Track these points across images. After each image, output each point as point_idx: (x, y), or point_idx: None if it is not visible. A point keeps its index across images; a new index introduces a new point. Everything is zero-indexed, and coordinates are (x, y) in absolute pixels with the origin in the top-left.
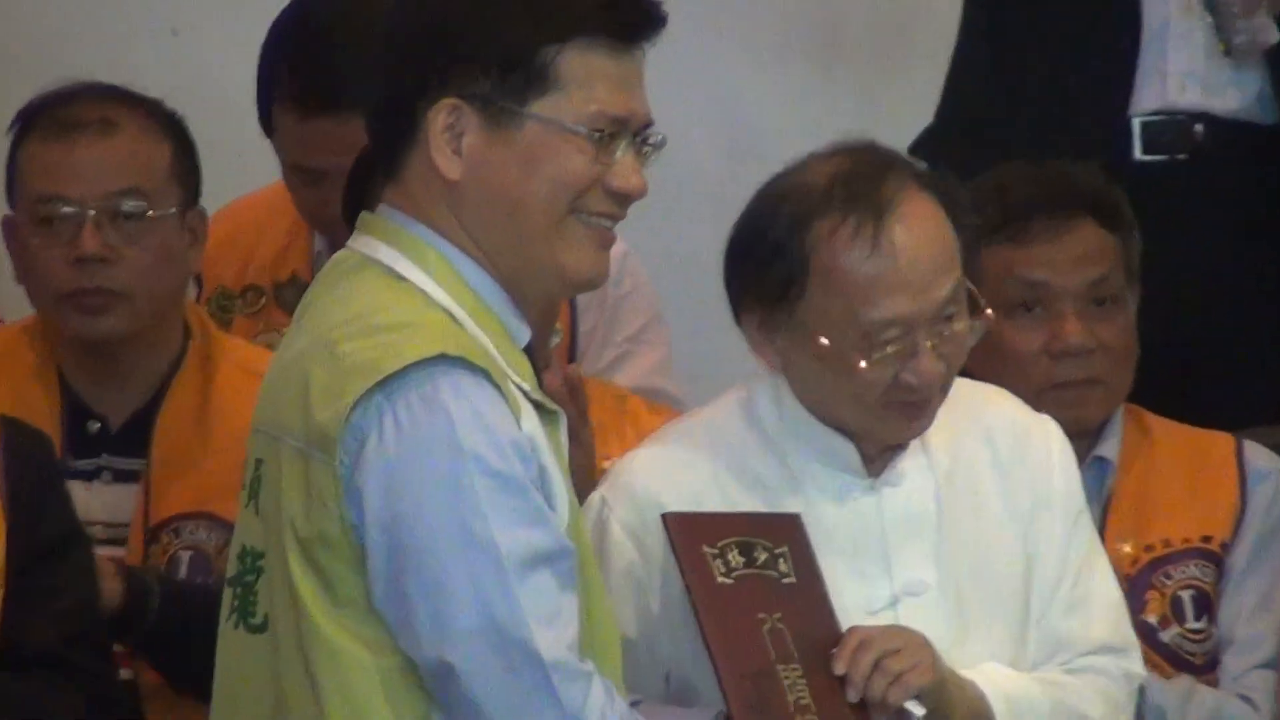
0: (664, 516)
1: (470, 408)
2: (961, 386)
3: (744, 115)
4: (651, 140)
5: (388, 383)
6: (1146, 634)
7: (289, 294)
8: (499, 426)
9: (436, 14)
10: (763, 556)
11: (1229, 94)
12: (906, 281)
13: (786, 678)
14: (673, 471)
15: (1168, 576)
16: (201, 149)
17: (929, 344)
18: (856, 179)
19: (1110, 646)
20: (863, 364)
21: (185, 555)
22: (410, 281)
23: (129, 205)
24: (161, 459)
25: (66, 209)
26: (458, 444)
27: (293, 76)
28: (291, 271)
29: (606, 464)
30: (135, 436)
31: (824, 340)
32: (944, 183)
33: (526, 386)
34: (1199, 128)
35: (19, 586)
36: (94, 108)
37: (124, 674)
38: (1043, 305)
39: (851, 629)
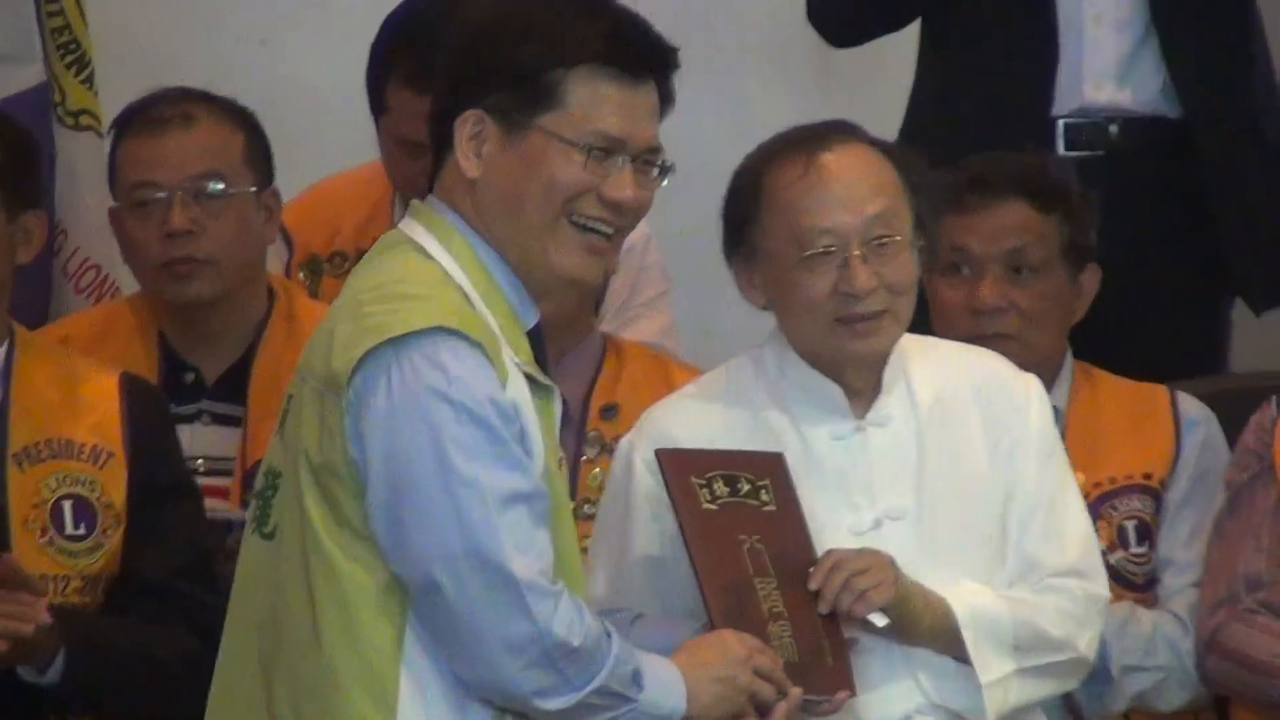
0: (657, 452)
1: (464, 368)
2: (955, 347)
3: (749, 110)
4: (657, 164)
5: (396, 341)
6: None
7: None
8: (486, 387)
9: (472, 36)
10: (746, 487)
11: (1138, 90)
12: (834, 195)
13: (762, 589)
14: (690, 418)
15: (1114, 509)
16: (286, 144)
17: (858, 253)
18: (804, 133)
19: (1076, 570)
20: (793, 265)
21: None
22: (435, 260)
23: (209, 185)
24: (258, 404)
25: (158, 193)
26: (450, 396)
27: (410, 59)
28: (374, 240)
29: None
30: (231, 386)
31: (771, 255)
32: (890, 145)
33: (520, 360)
34: (1114, 128)
35: (137, 523)
36: (175, 106)
37: None
38: (969, 267)
39: (828, 551)
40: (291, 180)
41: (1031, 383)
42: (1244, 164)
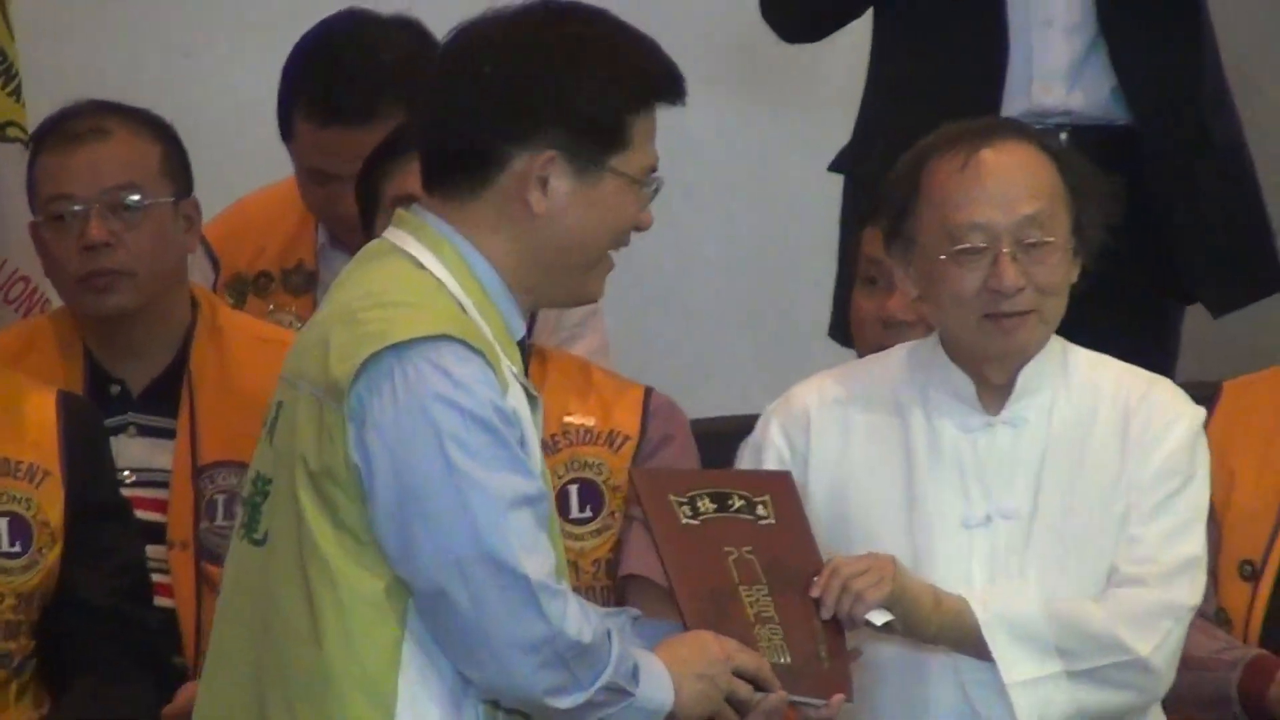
0: (631, 471)
1: (467, 374)
2: (1125, 369)
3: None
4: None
5: (399, 347)
6: None
7: (295, 279)
8: (490, 393)
9: (539, 71)
10: (738, 503)
11: (1087, 94)
12: (989, 192)
13: (749, 596)
14: (827, 393)
15: None
16: (209, 156)
17: (1008, 252)
18: (969, 128)
19: (1148, 581)
20: (943, 258)
21: (220, 499)
22: (428, 270)
23: (126, 197)
24: (188, 415)
25: (74, 206)
26: (455, 401)
27: (312, 92)
28: (298, 259)
29: (569, 419)
30: (158, 397)
31: (925, 248)
32: (1058, 147)
33: (516, 370)
34: (1064, 135)
35: (74, 542)
36: (90, 120)
37: None
38: (883, 279)
39: (830, 559)
40: (215, 193)
41: (1188, 411)
42: (1194, 169)
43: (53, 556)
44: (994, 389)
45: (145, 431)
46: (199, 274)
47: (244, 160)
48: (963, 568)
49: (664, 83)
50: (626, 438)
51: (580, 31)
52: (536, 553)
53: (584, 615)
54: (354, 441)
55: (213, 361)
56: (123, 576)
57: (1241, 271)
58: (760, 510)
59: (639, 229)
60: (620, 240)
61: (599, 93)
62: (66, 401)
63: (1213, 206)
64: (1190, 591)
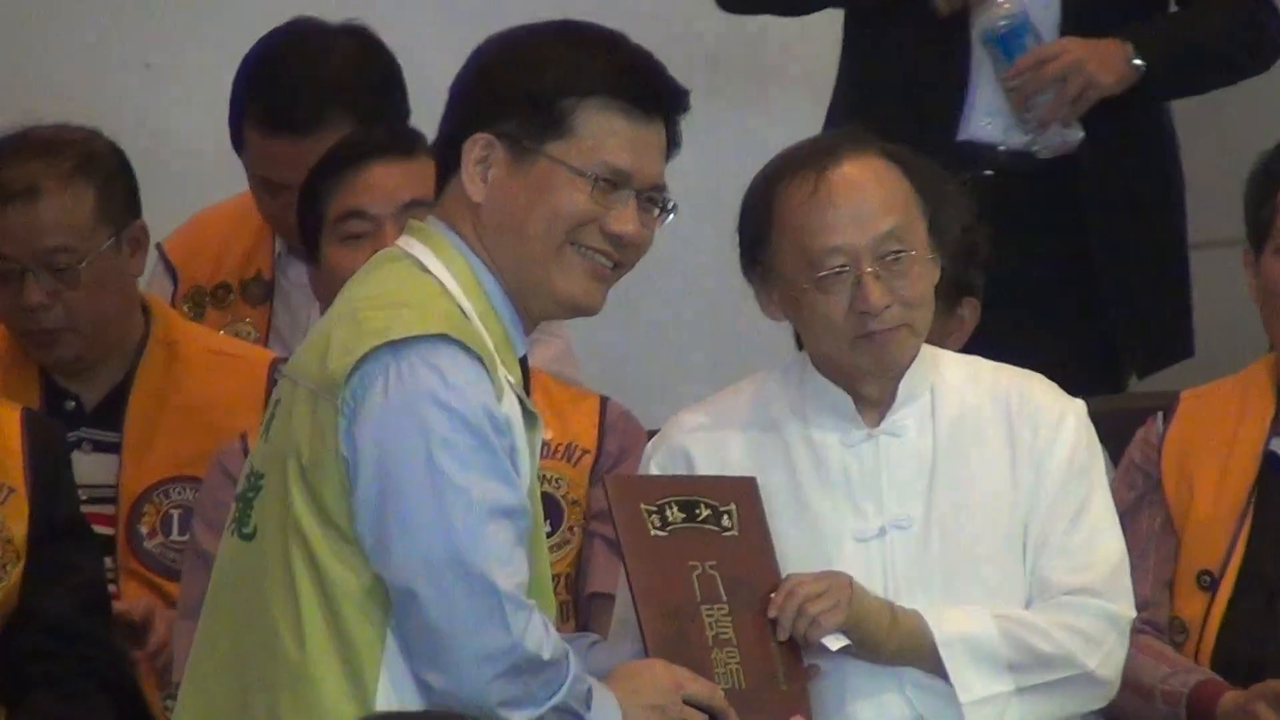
0: (604, 478)
1: (462, 376)
2: (998, 367)
3: None
4: (659, 202)
5: (396, 344)
6: None
7: (254, 289)
8: (483, 397)
9: (485, 63)
10: (705, 513)
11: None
12: (842, 213)
13: (710, 615)
14: (707, 426)
15: None
16: (168, 169)
17: (870, 270)
18: (814, 147)
19: (1093, 589)
20: (806, 285)
21: (175, 514)
22: (432, 274)
23: (60, 260)
24: (136, 430)
25: (10, 265)
26: (445, 401)
27: (259, 102)
28: (256, 270)
29: None
30: (109, 412)
31: (786, 276)
32: (907, 154)
33: (514, 382)
34: (1002, 148)
35: (38, 560)
36: (20, 174)
37: None
38: None
39: (787, 576)
40: (174, 206)
41: (1071, 406)
42: (1135, 226)
43: (16, 574)
44: (871, 402)
45: (99, 447)
46: (158, 287)
47: (204, 172)
48: (863, 581)
49: (615, 76)
50: (585, 451)
51: (540, 27)
52: (509, 565)
53: (546, 632)
54: (344, 435)
55: (165, 376)
56: (83, 594)
57: (1164, 338)
58: (725, 520)
59: (609, 231)
60: (567, 233)
61: (538, 78)
62: (31, 419)
63: (1145, 269)
64: (1129, 602)
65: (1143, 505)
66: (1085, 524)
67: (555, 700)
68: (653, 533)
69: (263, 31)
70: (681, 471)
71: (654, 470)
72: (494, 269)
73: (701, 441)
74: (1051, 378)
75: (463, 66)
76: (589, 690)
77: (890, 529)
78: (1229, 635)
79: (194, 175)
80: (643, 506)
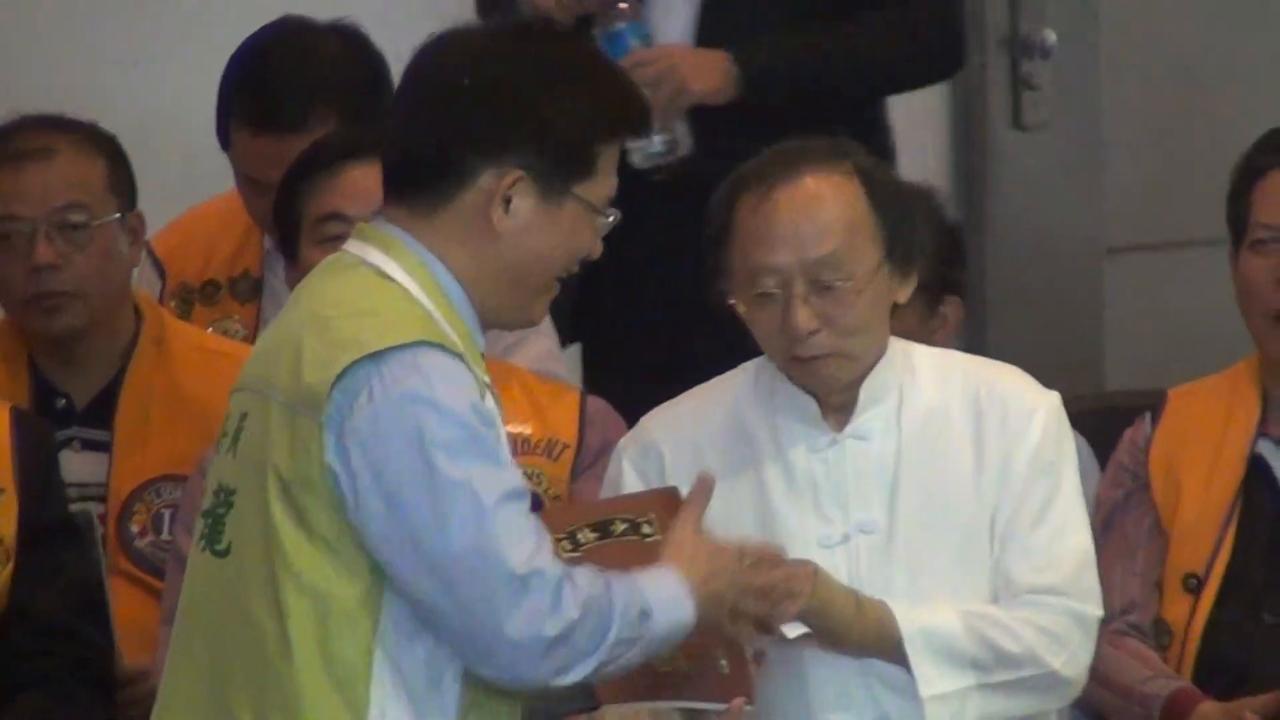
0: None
1: (446, 375)
2: (970, 362)
3: None
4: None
5: (376, 355)
6: None
7: (242, 286)
8: (469, 394)
9: (518, 89)
10: (622, 527)
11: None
12: (778, 233)
13: None
14: (678, 424)
15: None
16: (157, 168)
17: (799, 294)
18: (776, 158)
19: (1058, 588)
20: (737, 303)
21: (167, 513)
22: (396, 282)
23: (73, 217)
24: (126, 429)
25: (21, 226)
26: (434, 400)
27: (246, 100)
28: (244, 268)
29: (505, 428)
30: (100, 411)
31: (736, 283)
32: (875, 169)
33: (487, 380)
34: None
35: (27, 559)
36: (33, 138)
37: None
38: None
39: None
40: (163, 205)
41: (1042, 400)
42: None
43: (5, 574)
44: (836, 406)
45: (89, 445)
46: (145, 284)
47: (193, 170)
48: None
49: (637, 116)
50: (565, 446)
51: (560, 54)
52: (521, 543)
53: (570, 588)
54: (333, 449)
55: (156, 374)
56: (73, 594)
57: None
58: (645, 529)
59: (589, 259)
60: (571, 267)
61: (576, 119)
62: (20, 418)
63: None
64: (1096, 601)
65: (1130, 506)
66: (1051, 521)
67: (610, 639)
68: (565, 556)
69: (251, 29)
70: (653, 470)
71: (625, 465)
72: (460, 277)
73: (674, 442)
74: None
75: (459, 79)
76: (642, 610)
77: (855, 534)
78: (1213, 639)
79: (182, 174)
80: (553, 538)
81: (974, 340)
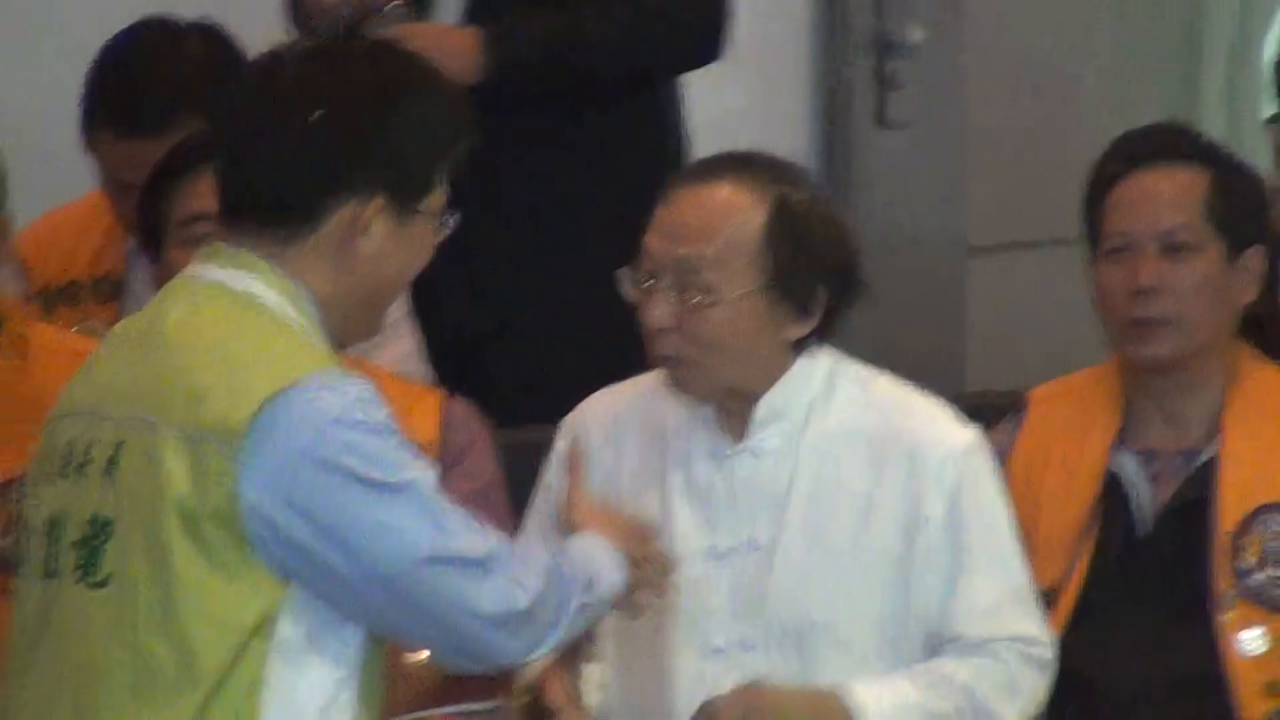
0: None
1: (359, 391)
2: (897, 396)
3: None
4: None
5: (293, 384)
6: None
7: (104, 287)
8: (382, 408)
9: (365, 122)
10: None
11: None
12: (665, 225)
13: None
14: (609, 412)
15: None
16: (20, 167)
17: (662, 287)
18: (723, 158)
19: (998, 637)
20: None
21: None
22: (270, 309)
23: None
24: None
25: None
26: (355, 418)
27: (109, 103)
28: (107, 269)
29: None
30: None
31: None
32: (797, 207)
33: None
34: None
35: None
36: None
37: None
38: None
39: (702, 705)
40: (24, 204)
41: (958, 442)
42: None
43: None
44: (732, 415)
45: None
46: (8, 286)
47: (55, 170)
48: (705, 597)
49: (471, 127)
50: (425, 446)
51: (396, 73)
52: (470, 527)
53: (525, 565)
54: (250, 482)
55: (17, 375)
56: None
57: None
58: None
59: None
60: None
61: (422, 139)
62: None
63: None
64: (1043, 641)
65: None
66: (981, 567)
67: (571, 609)
68: None
69: (118, 27)
70: (582, 450)
71: (558, 445)
72: (319, 302)
73: (602, 433)
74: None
75: (306, 115)
76: (589, 577)
77: (743, 549)
78: (1066, 656)
79: (45, 174)
80: None
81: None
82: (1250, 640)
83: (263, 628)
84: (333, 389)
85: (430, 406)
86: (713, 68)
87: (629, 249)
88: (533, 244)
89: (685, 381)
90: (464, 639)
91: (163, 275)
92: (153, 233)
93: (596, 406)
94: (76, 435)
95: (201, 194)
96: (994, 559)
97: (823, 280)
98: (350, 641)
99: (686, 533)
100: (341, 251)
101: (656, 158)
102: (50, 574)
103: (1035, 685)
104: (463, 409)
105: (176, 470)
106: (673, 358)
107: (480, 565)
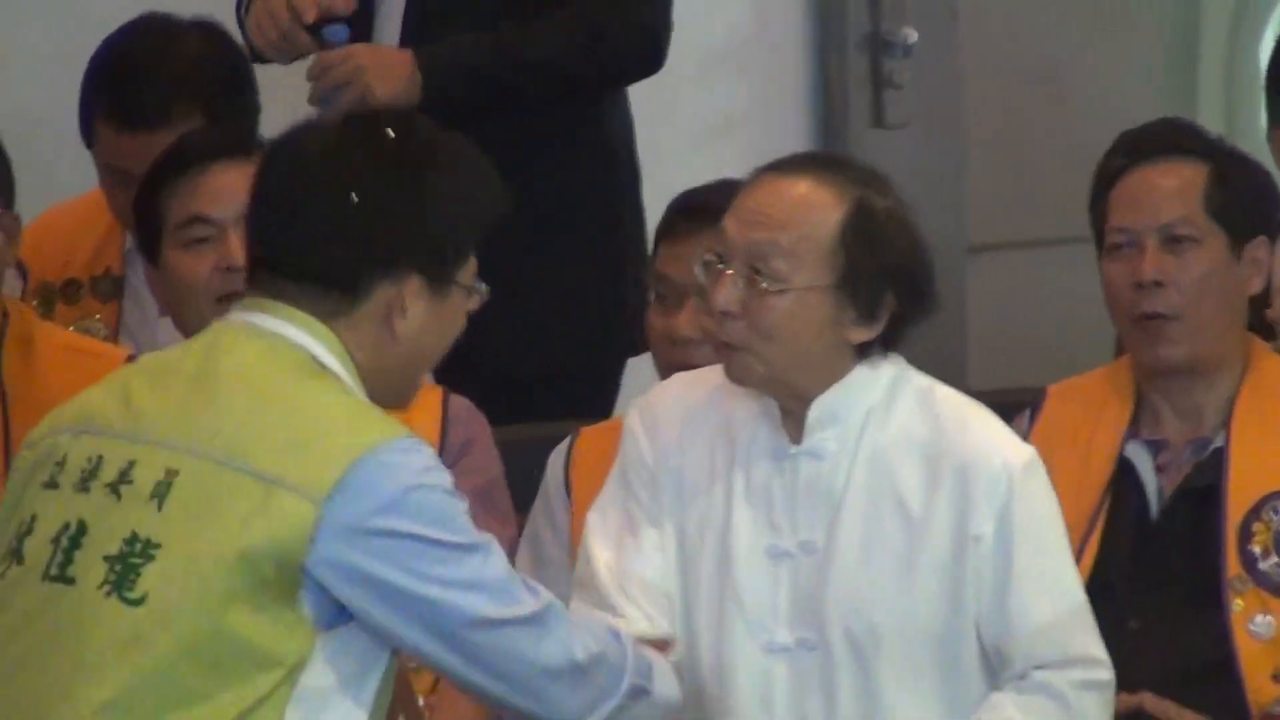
0: None
1: (426, 459)
2: (953, 405)
3: None
4: None
5: (375, 449)
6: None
7: (104, 285)
8: (446, 473)
9: (404, 202)
10: None
11: None
12: (743, 210)
13: None
14: (673, 397)
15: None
16: (19, 165)
17: (730, 273)
18: (797, 155)
19: (1057, 662)
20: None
21: None
22: (328, 367)
23: None
24: (9, 423)
25: None
26: (425, 482)
27: (109, 96)
28: (106, 267)
29: None
30: None
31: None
32: (877, 211)
33: None
34: None
35: None
36: None
37: None
38: (672, 297)
39: None
40: (23, 205)
41: (1012, 459)
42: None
43: None
44: (797, 417)
45: None
46: (8, 284)
47: (51, 169)
48: (767, 599)
49: (503, 197)
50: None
51: (432, 150)
52: (527, 590)
53: (585, 626)
54: (326, 534)
55: (22, 373)
56: None
57: (606, 336)
58: None
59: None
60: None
61: (457, 217)
62: None
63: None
64: (1102, 662)
65: None
66: (1035, 590)
67: (626, 683)
68: None
69: (115, 25)
70: (652, 436)
71: (634, 422)
72: (355, 363)
73: (669, 423)
74: None
75: (343, 194)
76: (649, 664)
77: (798, 552)
78: None
79: (44, 171)
80: None
81: None
82: (1261, 626)
83: (290, 674)
84: (407, 455)
85: (432, 403)
86: (709, 69)
87: (584, 253)
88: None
89: (741, 370)
90: (526, 692)
91: (161, 277)
92: (150, 232)
93: (671, 395)
94: (106, 453)
95: (199, 196)
96: (1047, 578)
97: (892, 287)
98: (366, 697)
99: (747, 531)
100: (383, 328)
101: (604, 165)
102: (57, 579)
103: (1098, 709)
104: (464, 405)
105: (246, 509)
106: (731, 345)
107: (539, 622)
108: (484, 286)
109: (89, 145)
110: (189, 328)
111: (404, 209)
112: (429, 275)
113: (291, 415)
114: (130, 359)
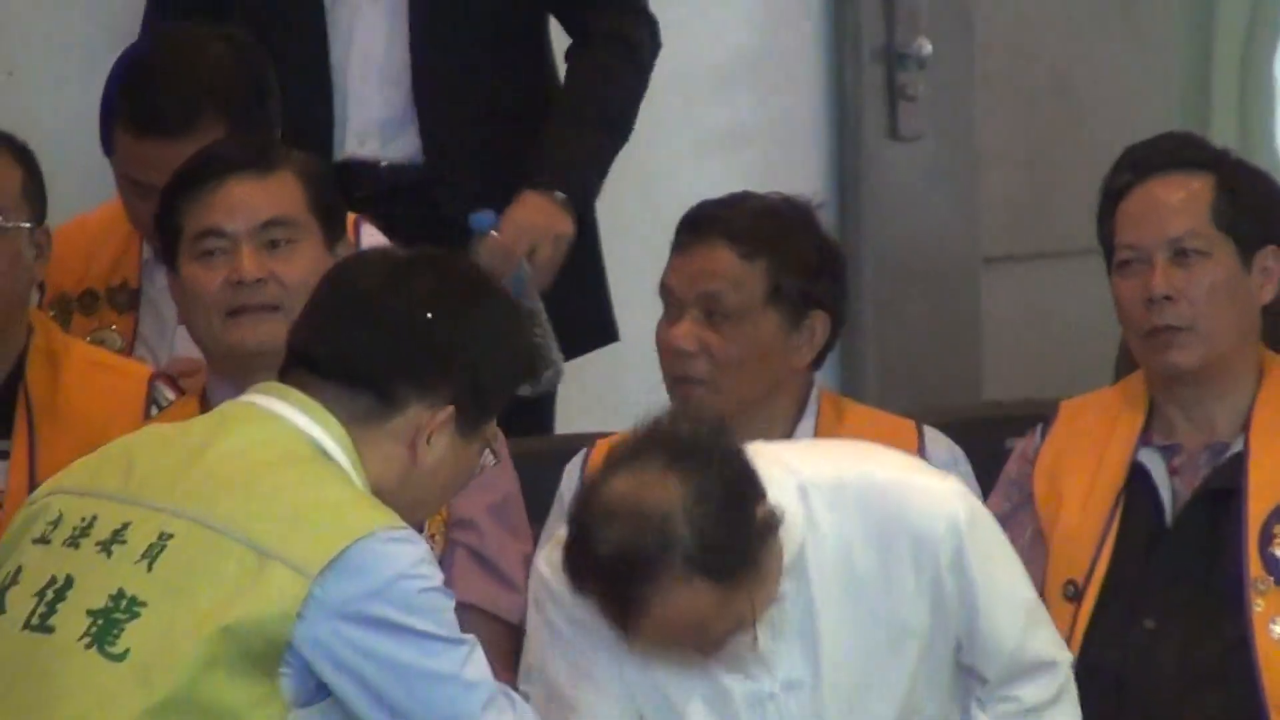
0: None
1: (416, 552)
2: (867, 486)
3: None
4: None
5: (371, 535)
6: None
7: (120, 297)
8: (438, 569)
9: (466, 338)
10: None
11: (399, 145)
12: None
13: None
14: None
15: None
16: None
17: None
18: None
19: (1026, 664)
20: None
21: None
22: (338, 461)
23: None
24: (22, 439)
25: None
26: (416, 572)
27: (130, 103)
28: (123, 278)
29: None
30: None
31: None
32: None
33: None
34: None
35: None
36: None
37: None
38: (673, 308)
39: None
40: None
41: (947, 508)
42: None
43: None
44: None
45: None
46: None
47: (69, 180)
48: None
49: (539, 369)
50: None
51: (499, 306)
52: (500, 691)
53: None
54: (314, 612)
55: (46, 385)
56: None
57: (578, 326)
58: None
59: None
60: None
61: (503, 370)
62: None
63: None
64: (1060, 647)
65: (1014, 522)
66: (996, 612)
67: None
68: None
69: (129, 38)
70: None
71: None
72: (371, 481)
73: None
74: None
75: (416, 312)
76: None
77: (781, 692)
78: (1092, 645)
79: (58, 185)
80: None
81: (850, 351)
82: None
83: None
84: (402, 545)
85: None
86: (724, 80)
87: None
88: None
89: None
90: None
91: (178, 287)
92: (169, 242)
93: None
94: (101, 514)
95: (215, 209)
96: (1005, 597)
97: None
98: None
99: (726, 681)
100: (402, 447)
101: None
102: (37, 628)
103: (1066, 688)
104: None
105: (238, 578)
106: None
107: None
108: (497, 454)
109: (108, 154)
110: (200, 340)
111: (465, 339)
112: (463, 411)
113: (292, 492)
114: (152, 377)
